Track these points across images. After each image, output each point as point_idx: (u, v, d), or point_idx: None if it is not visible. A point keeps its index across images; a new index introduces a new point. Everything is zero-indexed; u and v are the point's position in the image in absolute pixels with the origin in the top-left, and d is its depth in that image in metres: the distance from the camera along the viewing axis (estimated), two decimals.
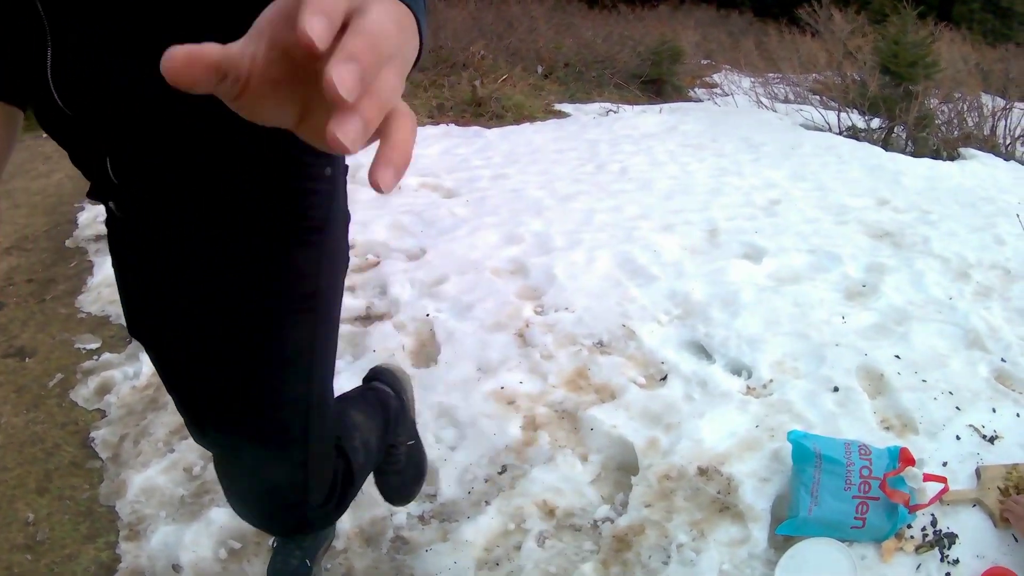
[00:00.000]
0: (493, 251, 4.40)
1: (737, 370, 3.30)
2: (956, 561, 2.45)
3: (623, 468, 2.93)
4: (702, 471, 2.76)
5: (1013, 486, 2.63)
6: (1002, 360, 3.33)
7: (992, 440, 2.88)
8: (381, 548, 2.71)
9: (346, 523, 2.77)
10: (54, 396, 3.51)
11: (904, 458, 2.61)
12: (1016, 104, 8.48)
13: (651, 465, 2.80)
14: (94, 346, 3.87)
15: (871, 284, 3.75)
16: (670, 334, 3.55)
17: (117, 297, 4.06)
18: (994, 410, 3.01)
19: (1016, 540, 2.50)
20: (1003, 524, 2.53)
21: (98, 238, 4.85)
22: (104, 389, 3.52)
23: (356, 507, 2.82)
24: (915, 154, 7.25)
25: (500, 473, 2.90)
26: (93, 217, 5.08)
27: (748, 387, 3.18)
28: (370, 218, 4.69)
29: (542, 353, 3.45)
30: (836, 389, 3.12)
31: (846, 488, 2.54)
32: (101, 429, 3.30)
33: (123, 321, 3.99)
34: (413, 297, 3.92)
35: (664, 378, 3.26)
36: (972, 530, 2.54)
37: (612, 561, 2.57)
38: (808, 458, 2.62)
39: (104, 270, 4.44)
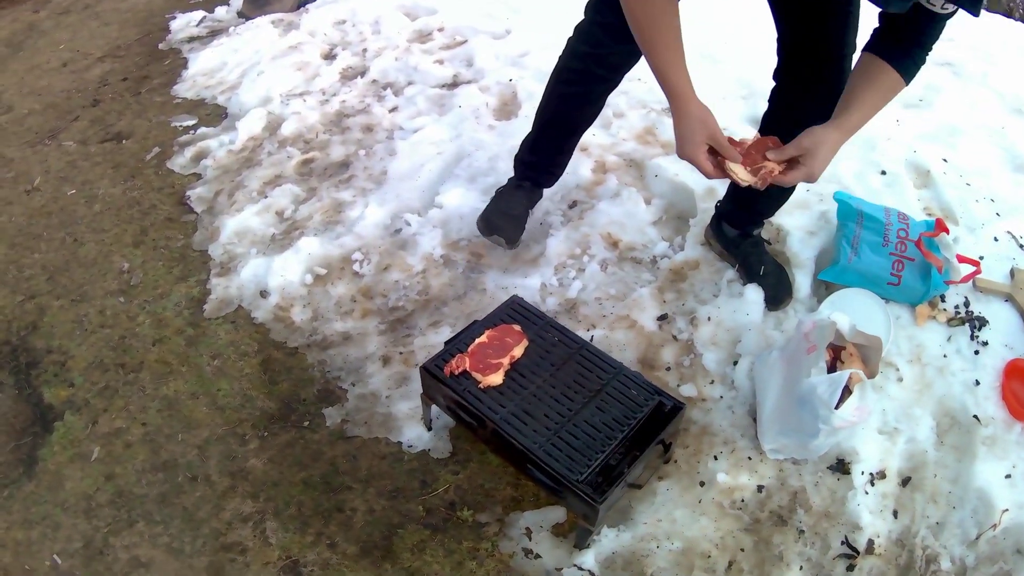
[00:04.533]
0: None
1: None
2: (986, 343, 2.63)
3: (683, 216, 3.14)
4: None
5: None
6: None
7: None
8: (457, 268, 2.97)
9: (432, 242, 3.03)
10: (151, 167, 3.75)
11: (939, 225, 2.77)
12: None
13: (708, 209, 2.99)
14: (191, 122, 4.08)
15: (927, 100, 3.82)
16: (734, 108, 3.66)
17: (212, 83, 4.37)
18: None
19: None
20: None
21: (191, 40, 4.96)
22: (200, 156, 3.76)
23: (438, 226, 3.06)
24: (988, 8, 7.11)
25: (570, 208, 3.15)
26: (186, 23, 5.18)
27: None
28: (460, 4, 4.74)
29: (615, 112, 3.64)
30: (884, 172, 3.27)
31: (884, 244, 2.72)
32: (196, 188, 3.54)
33: (219, 101, 4.21)
34: (498, 67, 4.06)
35: None
36: (1003, 322, 2.70)
37: (667, 288, 2.82)
38: (851, 215, 2.81)
39: (199, 62, 4.57)
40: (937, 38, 1.98)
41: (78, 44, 5.13)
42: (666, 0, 1.96)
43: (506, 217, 2.90)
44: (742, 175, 2.06)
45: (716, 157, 2.08)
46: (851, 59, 2.21)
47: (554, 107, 2.72)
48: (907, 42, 1.97)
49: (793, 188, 2.63)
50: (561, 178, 3.06)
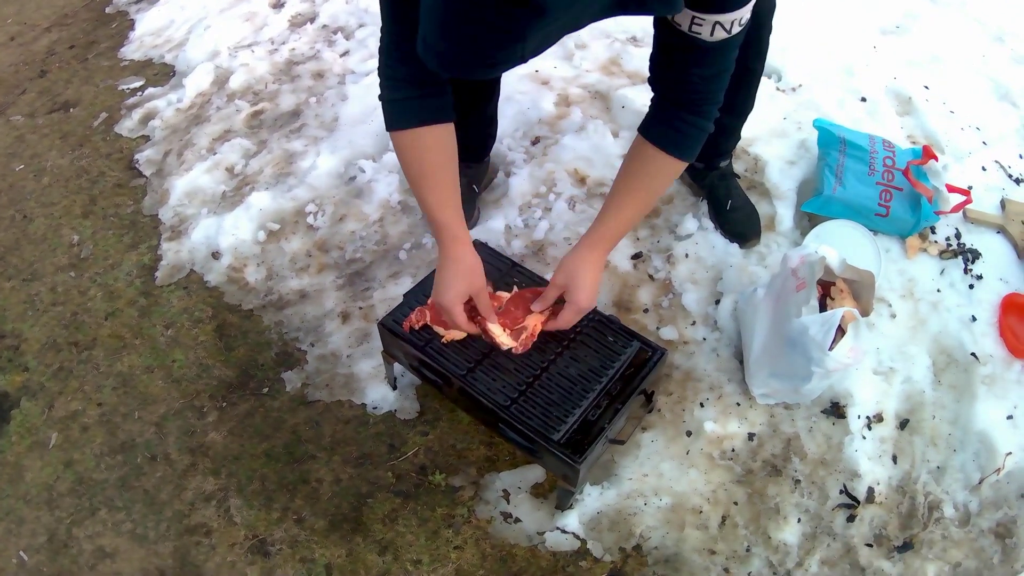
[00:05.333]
0: None
1: (767, 72, 3.27)
2: (980, 277, 2.54)
3: None
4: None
5: None
6: None
7: (1018, 181, 2.88)
8: (416, 213, 2.85)
9: (388, 188, 2.89)
10: (99, 133, 3.61)
11: (927, 153, 2.64)
12: None
13: None
14: (137, 84, 3.93)
15: (904, 26, 3.68)
16: None
17: (160, 42, 4.16)
18: (1021, 156, 3.00)
19: None
20: None
21: (139, 0, 4.80)
22: (148, 117, 3.62)
23: (394, 171, 2.93)
24: None
25: (533, 144, 3.01)
26: None
27: (778, 88, 3.20)
28: None
29: (576, 43, 3.49)
30: (864, 99, 3.14)
31: (870, 173, 2.59)
32: (145, 151, 3.40)
33: (167, 59, 4.05)
34: None
35: None
36: (996, 255, 2.61)
37: (641, 225, 2.70)
38: (833, 143, 2.67)
39: (146, 22, 4.43)
40: (714, 94, 1.71)
41: (25, 16, 4.94)
42: (435, 137, 1.81)
43: None
44: (502, 339, 1.96)
45: (476, 314, 1.98)
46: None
47: None
48: (682, 108, 1.74)
49: (747, 111, 2.50)
50: (522, 113, 2.96)
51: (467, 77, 1.41)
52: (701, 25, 1.52)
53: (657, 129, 1.78)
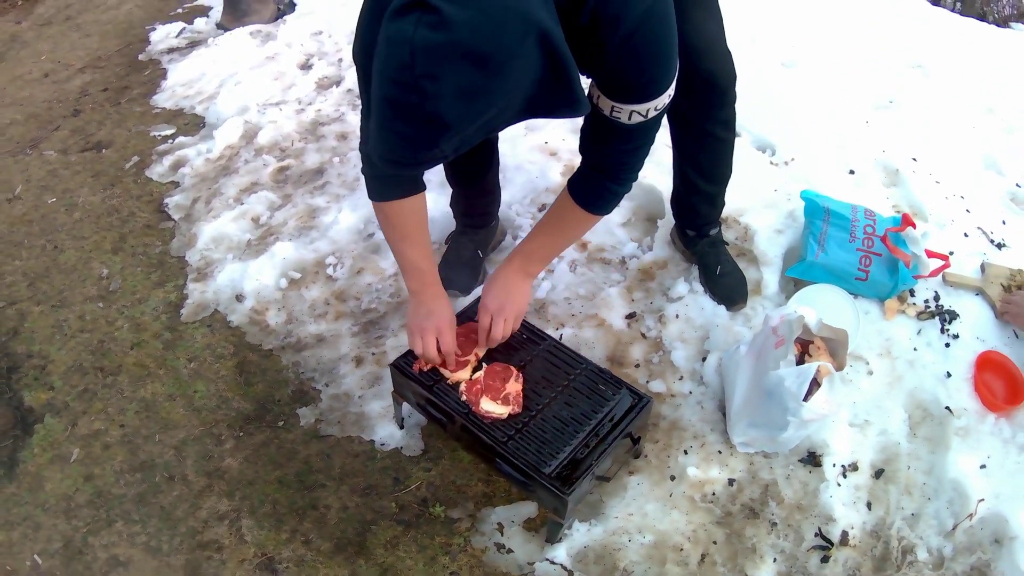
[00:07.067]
0: None
1: (762, 147, 3.44)
2: (956, 336, 2.64)
3: (651, 218, 3.16)
4: (722, 218, 2.92)
5: (1016, 286, 2.76)
6: (1017, 185, 3.35)
7: (999, 246, 2.98)
8: None
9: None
10: (130, 175, 3.79)
11: (906, 220, 2.79)
12: None
13: None
14: (169, 132, 4.11)
15: (897, 101, 3.82)
16: None
17: (191, 93, 4.41)
18: (1004, 222, 3.10)
19: (1017, 336, 2.68)
20: (1004, 319, 2.70)
21: (171, 51, 4.99)
22: (178, 165, 3.79)
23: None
24: (962, 12, 7.01)
25: (540, 210, 3.17)
26: (165, 34, 5.22)
27: (771, 162, 3.35)
28: None
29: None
30: (852, 172, 3.29)
31: (851, 240, 2.74)
32: (175, 196, 3.58)
33: (197, 111, 4.25)
34: None
35: None
36: (974, 315, 2.71)
37: (636, 288, 2.85)
38: (818, 213, 2.83)
39: (178, 73, 4.61)
40: (633, 164, 1.97)
41: (59, 55, 5.16)
42: (412, 205, 2.10)
43: (457, 266, 2.86)
44: (497, 410, 2.18)
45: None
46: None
47: (446, 170, 2.78)
48: (604, 176, 2.01)
49: (725, 178, 2.67)
50: (530, 181, 3.14)
51: (400, 172, 1.68)
52: (620, 112, 1.78)
53: (581, 190, 2.05)
